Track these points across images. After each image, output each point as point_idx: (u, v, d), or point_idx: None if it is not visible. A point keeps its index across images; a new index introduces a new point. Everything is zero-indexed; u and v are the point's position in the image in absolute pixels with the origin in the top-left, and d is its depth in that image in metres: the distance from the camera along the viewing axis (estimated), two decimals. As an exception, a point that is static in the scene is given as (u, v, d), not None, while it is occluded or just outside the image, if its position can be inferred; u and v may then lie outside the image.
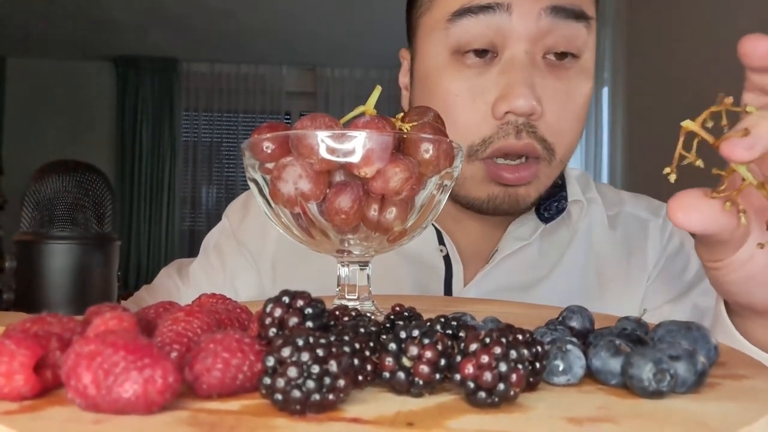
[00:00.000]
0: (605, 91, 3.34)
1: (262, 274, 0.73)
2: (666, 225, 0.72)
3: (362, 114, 0.39)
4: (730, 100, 0.33)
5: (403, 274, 0.69)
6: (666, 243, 0.71)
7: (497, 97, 0.58)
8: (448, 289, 0.68)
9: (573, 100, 0.60)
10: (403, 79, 0.72)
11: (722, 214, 0.34)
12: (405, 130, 0.39)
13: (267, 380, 0.23)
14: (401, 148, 0.37)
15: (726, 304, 0.45)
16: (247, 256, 0.74)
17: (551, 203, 0.70)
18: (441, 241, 0.69)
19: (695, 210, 0.33)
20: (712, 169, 0.34)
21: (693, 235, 0.39)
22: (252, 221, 0.75)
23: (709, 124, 0.33)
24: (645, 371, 0.26)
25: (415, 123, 0.40)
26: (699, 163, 0.33)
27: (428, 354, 0.25)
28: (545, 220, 0.69)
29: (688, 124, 0.33)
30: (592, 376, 0.29)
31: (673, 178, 0.34)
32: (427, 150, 0.37)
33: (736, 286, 0.39)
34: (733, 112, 0.33)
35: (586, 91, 0.61)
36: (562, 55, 0.59)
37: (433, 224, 0.67)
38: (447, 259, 0.69)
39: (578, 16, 0.57)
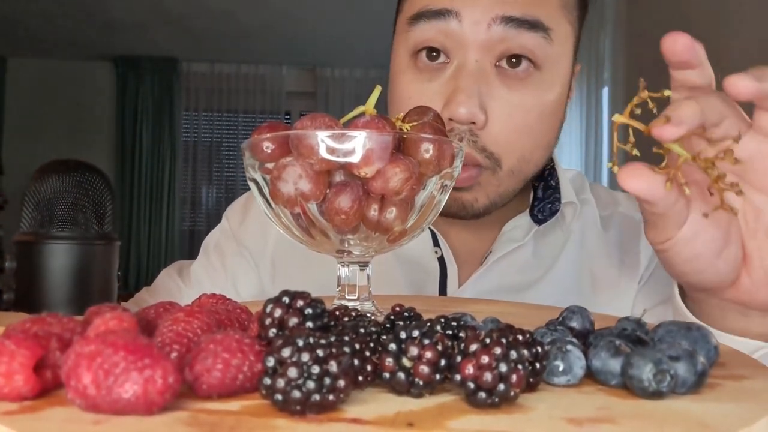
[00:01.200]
0: (605, 91, 3.34)
1: (262, 274, 0.74)
2: None
3: (362, 114, 0.39)
4: (645, 93, 0.36)
5: (398, 275, 0.70)
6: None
7: (444, 103, 0.58)
8: (442, 291, 0.69)
9: (524, 111, 0.58)
10: None
11: (662, 188, 0.36)
12: (405, 130, 0.39)
13: (267, 380, 0.23)
14: (401, 148, 0.37)
15: (681, 290, 0.46)
16: (247, 256, 0.74)
17: (544, 205, 0.70)
18: (436, 243, 0.70)
19: (644, 177, 0.35)
20: (653, 148, 0.36)
21: (642, 217, 0.41)
22: (252, 221, 0.76)
23: (638, 112, 0.36)
24: (645, 372, 0.26)
25: (415, 123, 0.40)
26: (635, 152, 0.36)
27: (428, 354, 0.25)
28: (539, 222, 0.69)
29: (617, 117, 0.36)
30: (592, 376, 0.29)
31: (616, 170, 0.36)
32: (427, 150, 0.37)
33: (685, 266, 0.40)
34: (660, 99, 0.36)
35: (547, 102, 0.60)
36: (516, 63, 0.58)
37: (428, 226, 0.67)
38: (441, 260, 0.69)
39: (533, 26, 0.56)
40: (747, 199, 0.39)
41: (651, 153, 0.36)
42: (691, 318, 0.44)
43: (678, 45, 0.36)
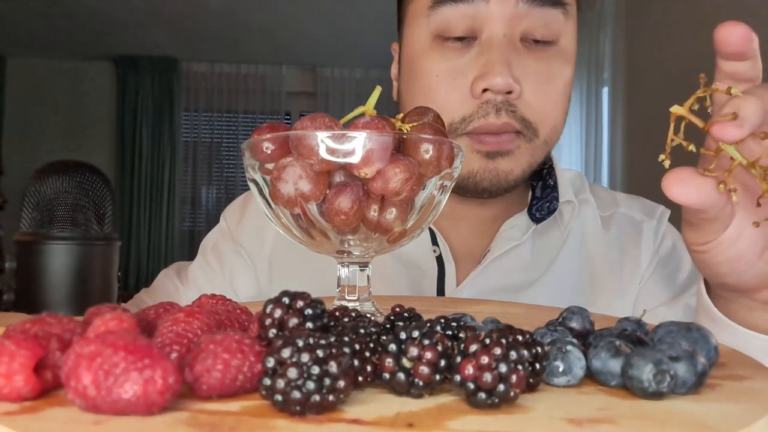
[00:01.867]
0: (605, 91, 3.34)
1: (260, 274, 0.74)
2: (660, 226, 0.72)
3: (362, 114, 0.39)
4: (716, 85, 0.34)
5: (396, 274, 0.70)
6: (659, 244, 0.71)
7: (476, 76, 0.59)
8: (440, 290, 0.68)
9: (552, 81, 0.61)
10: (394, 70, 0.73)
11: (714, 191, 0.34)
12: (405, 131, 0.39)
13: (267, 381, 0.23)
14: (401, 148, 0.37)
15: (707, 288, 0.46)
16: (245, 256, 0.74)
17: (543, 204, 0.70)
18: (434, 242, 0.70)
19: (691, 184, 0.34)
20: (701, 149, 0.34)
21: (682, 218, 0.39)
22: (249, 222, 0.76)
23: (695, 107, 0.34)
24: (645, 372, 0.26)
25: (415, 123, 0.40)
26: (691, 147, 0.34)
27: (428, 355, 0.25)
28: (537, 221, 0.70)
29: (677, 109, 0.34)
30: (592, 377, 0.29)
31: (667, 164, 0.34)
32: (427, 150, 0.37)
33: (725, 267, 0.39)
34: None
35: (567, 75, 0.62)
36: (539, 41, 0.60)
37: None
38: (440, 259, 0.69)
39: (555, 2, 0.59)
40: None
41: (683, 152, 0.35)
42: (720, 316, 0.43)
43: (734, 36, 0.35)
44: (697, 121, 0.33)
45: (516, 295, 0.68)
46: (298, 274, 0.70)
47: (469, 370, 0.24)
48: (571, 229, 0.72)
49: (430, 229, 0.70)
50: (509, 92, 0.58)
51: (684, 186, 0.34)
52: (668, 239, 0.72)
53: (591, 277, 0.70)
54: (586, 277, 0.70)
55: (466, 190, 0.65)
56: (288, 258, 0.72)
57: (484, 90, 0.58)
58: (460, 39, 0.60)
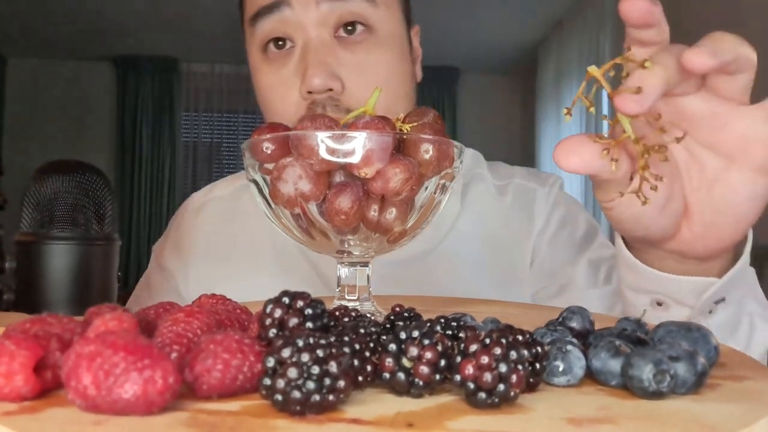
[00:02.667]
0: (605, 91, 3.33)
1: (180, 287, 0.76)
2: (551, 193, 0.77)
3: (362, 114, 0.39)
4: (632, 55, 0.35)
5: (297, 261, 0.72)
6: (551, 209, 0.75)
7: (300, 82, 0.63)
8: None
9: (373, 69, 0.64)
10: None
11: (599, 158, 0.36)
12: (405, 131, 0.39)
13: (267, 381, 0.23)
14: (401, 148, 0.37)
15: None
16: (170, 279, 0.77)
17: None
18: None
19: (574, 153, 0.36)
20: (602, 116, 0.37)
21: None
22: (169, 242, 0.79)
23: (611, 74, 0.36)
24: (645, 372, 0.26)
25: (415, 123, 0.40)
26: (592, 110, 0.35)
27: (428, 355, 0.25)
28: None
29: (593, 69, 0.35)
30: (592, 376, 0.29)
31: (568, 119, 0.36)
32: (427, 150, 0.37)
33: (631, 222, 0.41)
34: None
35: (389, 60, 0.65)
36: (352, 29, 0.63)
37: None
38: None
39: None
40: (692, 154, 0.39)
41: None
42: (635, 262, 0.45)
43: (635, 12, 0.36)
44: (607, 87, 0.35)
45: (419, 263, 0.70)
46: (218, 279, 0.73)
47: (469, 370, 0.24)
48: (468, 200, 0.75)
49: None
50: (331, 89, 0.61)
51: (566, 155, 0.36)
52: (561, 205, 0.76)
53: (488, 240, 0.73)
54: (482, 242, 0.73)
55: None
56: (207, 264, 0.75)
57: (309, 92, 0.62)
58: (279, 47, 0.65)
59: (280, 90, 0.65)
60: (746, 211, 0.39)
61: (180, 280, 0.76)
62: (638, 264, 0.45)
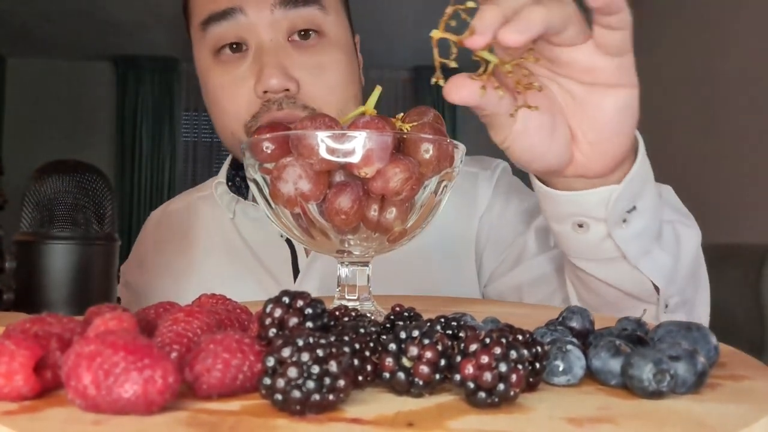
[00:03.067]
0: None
1: (144, 303, 0.79)
2: (494, 174, 0.79)
3: (362, 114, 0.39)
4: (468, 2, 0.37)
5: (251, 264, 0.74)
6: (494, 189, 0.78)
7: (255, 81, 0.65)
8: (295, 266, 0.73)
9: (326, 70, 0.68)
10: None
11: (479, 91, 0.40)
12: (405, 131, 0.39)
13: (267, 380, 0.23)
14: (401, 148, 0.37)
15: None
16: (134, 294, 0.81)
17: None
18: None
19: (462, 87, 0.39)
20: (472, 55, 0.39)
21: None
22: (133, 260, 0.83)
23: (453, 24, 0.38)
24: (645, 371, 0.26)
25: (415, 123, 0.40)
26: (453, 64, 0.37)
27: (428, 354, 0.25)
28: None
29: (435, 33, 0.38)
30: (592, 376, 0.29)
31: (441, 83, 0.38)
32: (427, 150, 0.37)
33: (527, 154, 0.45)
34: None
35: (341, 61, 0.69)
36: (305, 35, 0.67)
37: None
38: (289, 241, 0.75)
39: (306, 2, 0.66)
40: (564, 88, 0.44)
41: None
42: (547, 190, 0.49)
43: None
44: (455, 38, 0.37)
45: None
46: (176, 293, 0.75)
47: (469, 369, 0.24)
48: None
49: None
50: (287, 90, 0.65)
51: (457, 90, 0.39)
52: (503, 184, 0.78)
53: (438, 232, 0.74)
54: (433, 233, 0.73)
55: None
56: (167, 275, 0.79)
57: (265, 92, 0.65)
58: (234, 50, 0.67)
59: (231, 89, 0.67)
60: (619, 122, 0.44)
61: (142, 293, 0.80)
62: (551, 191, 0.49)
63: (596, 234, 0.48)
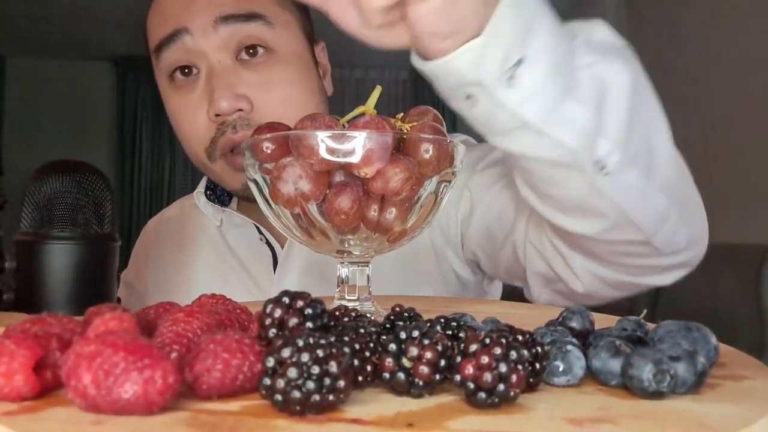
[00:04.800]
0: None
1: (143, 299, 0.82)
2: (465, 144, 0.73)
3: (362, 114, 0.39)
4: None
5: (237, 268, 0.76)
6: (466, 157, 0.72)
7: (208, 105, 0.66)
8: (276, 265, 0.75)
9: (277, 86, 0.67)
10: None
11: None
12: (405, 131, 0.39)
13: (267, 381, 0.23)
14: (401, 148, 0.37)
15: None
16: (134, 294, 0.83)
17: None
18: (260, 231, 0.76)
19: None
20: None
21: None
22: (131, 266, 0.85)
23: None
24: (645, 372, 0.26)
25: (415, 123, 0.40)
26: None
27: (428, 355, 0.25)
28: None
29: None
30: (592, 376, 0.29)
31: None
32: (427, 150, 0.37)
33: (390, 41, 0.41)
34: None
35: (291, 76, 0.68)
36: (253, 52, 0.67)
37: (248, 220, 0.76)
38: (268, 243, 0.76)
39: (249, 17, 0.65)
40: None
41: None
42: (429, 67, 0.42)
43: None
44: None
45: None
46: (169, 286, 0.78)
47: (469, 369, 0.24)
48: None
49: (254, 225, 0.76)
50: (240, 110, 0.65)
51: None
52: (476, 152, 0.71)
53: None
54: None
55: (247, 200, 0.71)
56: (161, 279, 0.80)
57: (217, 115, 0.65)
58: (185, 74, 0.67)
59: (188, 114, 0.68)
60: None
61: (143, 295, 0.82)
62: (430, 64, 0.41)
63: (485, 103, 0.41)
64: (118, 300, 0.81)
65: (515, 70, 0.40)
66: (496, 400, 0.24)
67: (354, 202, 0.36)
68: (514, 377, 0.24)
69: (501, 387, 0.24)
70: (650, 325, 0.34)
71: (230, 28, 0.65)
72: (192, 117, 0.67)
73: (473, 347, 0.25)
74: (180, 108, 0.68)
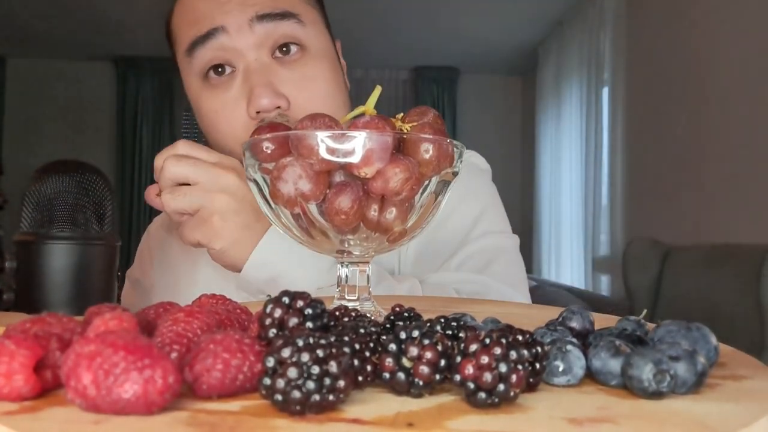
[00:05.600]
0: (605, 91, 3.34)
1: (150, 295, 0.82)
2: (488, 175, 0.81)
3: (362, 114, 0.39)
4: None
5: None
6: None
7: (246, 103, 0.67)
8: None
9: (312, 82, 0.69)
10: None
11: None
12: (405, 131, 0.39)
13: (267, 381, 0.23)
14: (401, 148, 0.37)
15: None
16: (140, 290, 0.84)
17: None
18: None
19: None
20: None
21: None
22: (136, 262, 0.87)
23: None
24: (645, 372, 0.26)
25: (415, 123, 0.40)
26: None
27: (428, 354, 0.25)
28: None
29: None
30: (592, 376, 0.29)
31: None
32: (427, 150, 0.37)
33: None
34: None
35: (325, 72, 0.71)
36: (287, 50, 0.69)
37: None
38: None
39: (284, 16, 0.68)
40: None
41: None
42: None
43: None
44: None
45: None
46: (173, 284, 0.80)
47: (469, 369, 0.24)
48: None
49: None
50: (278, 107, 0.66)
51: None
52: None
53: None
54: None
55: None
56: (164, 273, 0.82)
57: (258, 112, 0.66)
58: (219, 73, 0.68)
59: (225, 113, 0.68)
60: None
61: (149, 291, 0.83)
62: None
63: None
64: (119, 300, 0.81)
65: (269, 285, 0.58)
66: (496, 399, 0.24)
67: (354, 202, 0.36)
68: (514, 377, 0.24)
69: (501, 387, 0.24)
70: (650, 325, 0.34)
71: (266, 26, 0.67)
72: (230, 115, 0.68)
73: (473, 347, 0.25)
74: (216, 107, 0.69)
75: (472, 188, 0.77)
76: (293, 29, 0.68)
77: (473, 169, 0.80)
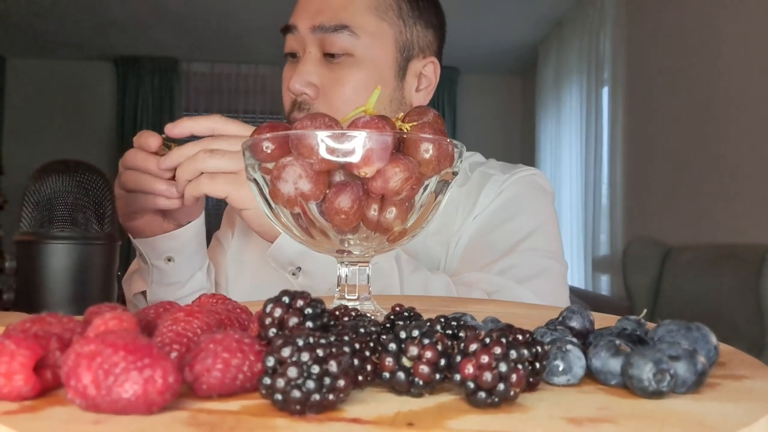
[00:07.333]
0: (605, 91, 3.34)
1: (227, 259, 0.96)
2: (508, 180, 0.85)
3: (362, 114, 0.39)
4: None
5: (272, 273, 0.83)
6: (499, 193, 0.84)
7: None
8: None
9: (341, 85, 0.80)
10: None
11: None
12: (405, 131, 0.39)
13: (267, 380, 0.23)
14: (401, 148, 0.37)
15: None
16: (220, 250, 0.97)
17: None
18: None
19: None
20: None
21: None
22: (223, 224, 1.00)
23: None
24: (645, 371, 0.26)
25: (415, 123, 0.40)
26: None
27: (428, 354, 0.25)
28: None
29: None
30: (592, 376, 0.29)
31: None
32: (427, 150, 0.37)
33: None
34: None
35: (356, 78, 0.80)
36: (332, 55, 0.80)
37: None
38: None
39: (337, 29, 0.79)
40: None
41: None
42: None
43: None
44: None
45: None
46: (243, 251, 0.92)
47: (469, 369, 0.24)
48: None
49: None
50: (306, 94, 0.79)
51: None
52: (510, 189, 0.84)
53: (438, 222, 0.83)
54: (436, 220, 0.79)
55: None
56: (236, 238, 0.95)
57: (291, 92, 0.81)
58: (293, 57, 0.84)
59: (285, 84, 0.84)
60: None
61: (227, 250, 0.96)
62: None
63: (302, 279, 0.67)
64: (119, 300, 0.81)
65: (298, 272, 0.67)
66: (496, 399, 0.24)
67: (354, 201, 0.36)
68: (514, 377, 0.24)
69: (501, 386, 0.24)
70: (650, 325, 0.34)
71: (320, 35, 0.79)
72: (285, 87, 0.83)
73: (473, 347, 0.25)
74: (284, 79, 0.84)
75: (533, 204, 0.84)
76: (342, 40, 0.79)
77: (538, 188, 0.87)
